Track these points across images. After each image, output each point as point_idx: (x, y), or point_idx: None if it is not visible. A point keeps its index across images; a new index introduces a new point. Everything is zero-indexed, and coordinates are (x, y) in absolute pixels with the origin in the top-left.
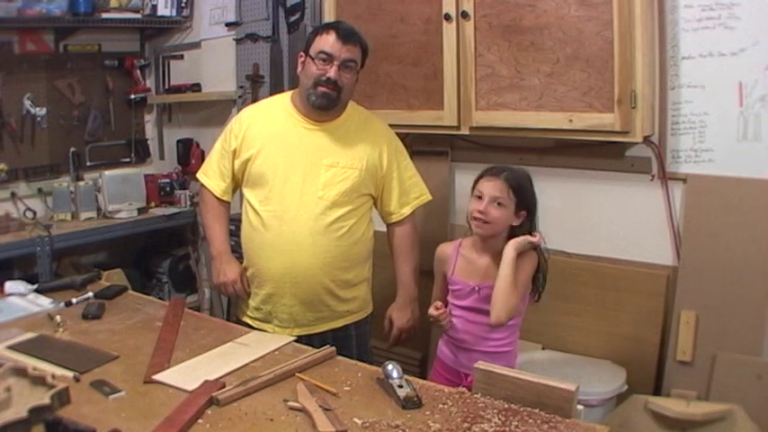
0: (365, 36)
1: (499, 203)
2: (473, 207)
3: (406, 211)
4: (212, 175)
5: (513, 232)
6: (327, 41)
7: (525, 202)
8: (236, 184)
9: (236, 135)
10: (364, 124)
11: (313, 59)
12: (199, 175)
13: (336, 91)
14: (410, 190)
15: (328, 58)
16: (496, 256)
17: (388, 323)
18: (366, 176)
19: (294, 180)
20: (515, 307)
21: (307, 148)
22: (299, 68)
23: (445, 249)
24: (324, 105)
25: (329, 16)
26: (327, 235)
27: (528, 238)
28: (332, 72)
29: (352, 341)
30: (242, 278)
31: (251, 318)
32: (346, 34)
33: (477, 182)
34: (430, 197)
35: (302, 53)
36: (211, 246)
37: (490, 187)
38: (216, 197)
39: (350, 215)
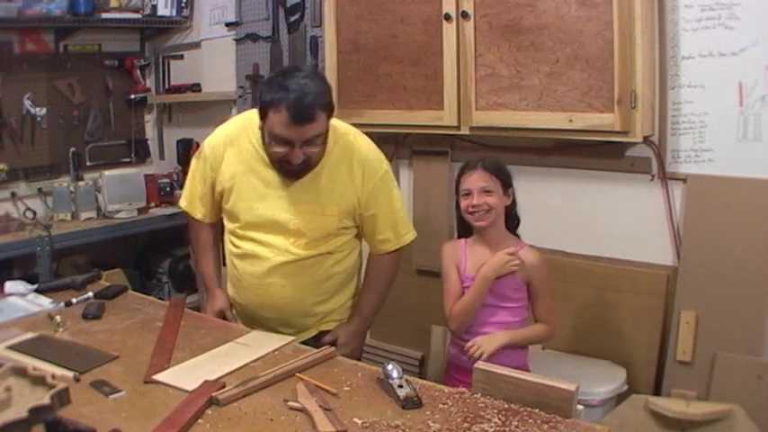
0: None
1: (487, 191)
2: (465, 204)
3: (390, 247)
4: (194, 202)
5: (507, 214)
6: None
7: (508, 180)
8: (219, 208)
9: (212, 166)
10: (343, 156)
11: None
12: (181, 203)
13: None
14: (396, 226)
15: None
16: (499, 245)
17: (331, 339)
18: (343, 217)
19: (266, 219)
20: (468, 322)
21: (279, 190)
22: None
23: (454, 247)
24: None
25: (329, 16)
26: (301, 276)
27: (510, 261)
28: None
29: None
30: (225, 311)
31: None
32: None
33: (458, 182)
34: (414, 235)
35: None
36: (203, 280)
37: (473, 180)
38: (201, 221)
39: (326, 255)
